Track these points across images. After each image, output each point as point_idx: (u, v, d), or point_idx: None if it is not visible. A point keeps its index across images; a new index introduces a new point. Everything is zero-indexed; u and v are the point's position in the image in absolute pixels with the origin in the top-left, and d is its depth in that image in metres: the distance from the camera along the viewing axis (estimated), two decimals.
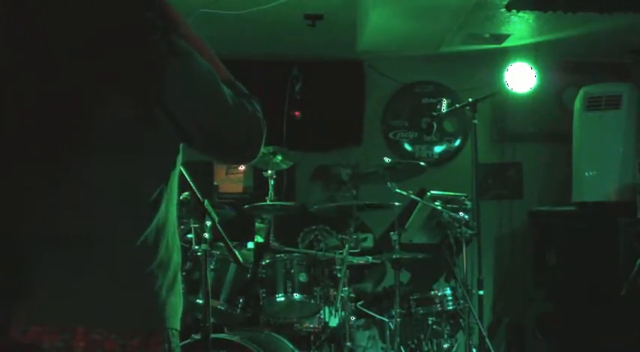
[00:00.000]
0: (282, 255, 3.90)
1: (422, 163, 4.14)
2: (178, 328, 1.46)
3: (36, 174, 1.35)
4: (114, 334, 1.34)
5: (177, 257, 1.48)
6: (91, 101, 1.34)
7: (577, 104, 5.36)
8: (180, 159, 1.50)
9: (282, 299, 3.77)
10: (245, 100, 1.52)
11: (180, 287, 1.48)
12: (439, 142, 6.00)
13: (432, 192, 4.22)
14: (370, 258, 4.10)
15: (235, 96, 1.49)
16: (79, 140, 1.35)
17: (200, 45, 1.51)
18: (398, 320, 3.91)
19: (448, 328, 4.14)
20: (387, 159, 3.99)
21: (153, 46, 1.37)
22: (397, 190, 3.92)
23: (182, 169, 1.55)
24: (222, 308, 3.69)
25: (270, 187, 4.03)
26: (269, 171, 4.05)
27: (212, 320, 2.89)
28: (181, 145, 1.49)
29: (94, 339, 1.33)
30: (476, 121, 4.24)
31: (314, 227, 4.50)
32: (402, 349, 3.97)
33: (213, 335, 2.90)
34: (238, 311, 3.76)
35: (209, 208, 2.68)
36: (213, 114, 1.46)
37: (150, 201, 1.42)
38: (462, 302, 4.03)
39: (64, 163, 1.35)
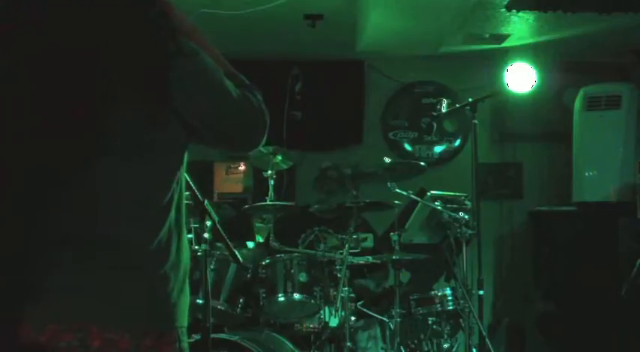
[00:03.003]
0: (282, 255, 3.90)
1: (422, 163, 4.14)
2: (186, 325, 1.49)
3: (49, 176, 1.36)
4: (128, 333, 1.36)
5: (186, 258, 1.50)
6: (103, 103, 1.35)
7: (577, 104, 5.36)
8: (186, 160, 1.52)
9: (282, 299, 3.77)
10: (247, 92, 1.55)
11: (188, 286, 1.51)
12: (439, 142, 6.01)
13: (432, 192, 4.22)
14: (370, 258, 4.10)
15: (238, 89, 1.52)
16: (92, 143, 1.35)
17: (202, 41, 1.53)
18: (398, 320, 3.91)
19: (448, 328, 4.14)
20: (387, 159, 3.99)
21: (161, 46, 1.39)
22: (397, 190, 3.91)
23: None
24: (222, 308, 3.69)
25: (270, 187, 4.03)
26: (269, 171, 4.05)
27: (212, 320, 2.89)
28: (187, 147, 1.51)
29: (109, 338, 1.35)
30: (476, 121, 4.23)
31: (315, 227, 4.50)
32: (402, 349, 3.97)
33: (213, 335, 2.90)
34: (238, 311, 3.76)
35: (209, 208, 2.68)
36: (219, 110, 1.48)
37: (162, 204, 1.44)
38: (462, 302, 4.03)
39: (76, 166, 1.36)
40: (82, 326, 1.34)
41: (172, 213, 1.45)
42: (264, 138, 1.60)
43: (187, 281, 1.50)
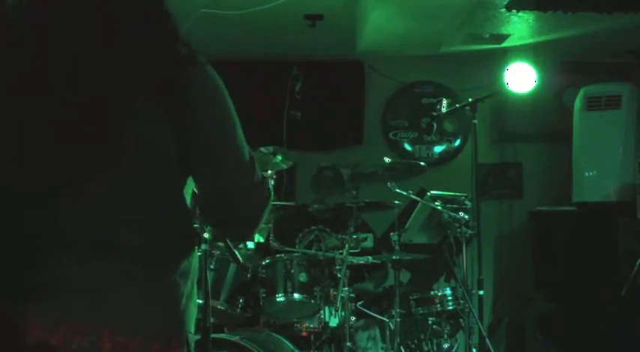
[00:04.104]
0: (282, 255, 3.90)
1: (422, 163, 4.14)
2: (193, 331, 1.51)
3: (62, 181, 1.36)
4: (138, 337, 1.37)
5: (195, 266, 1.52)
6: (113, 111, 1.36)
7: (577, 104, 5.36)
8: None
9: (282, 299, 3.77)
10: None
11: (195, 293, 1.53)
12: (439, 142, 6.01)
13: (432, 192, 4.23)
14: (370, 258, 4.10)
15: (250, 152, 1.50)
16: (106, 149, 1.36)
17: None
18: (398, 320, 3.91)
19: (448, 328, 4.14)
20: (387, 159, 3.99)
21: (175, 58, 1.40)
22: (397, 190, 3.92)
23: None
24: (222, 308, 3.69)
25: (270, 187, 4.03)
26: (269, 171, 4.05)
27: (212, 320, 2.89)
28: None
29: (119, 341, 1.36)
30: (476, 121, 4.23)
31: (313, 227, 4.51)
32: (402, 349, 3.97)
33: (213, 335, 2.90)
34: (238, 311, 3.76)
35: None
36: (223, 135, 1.46)
37: (175, 212, 1.46)
38: (462, 302, 4.03)
39: (89, 171, 1.37)
40: (94, 328, 1.35)
41: (184, 221, 1.48)
42: (257, 227, 1.56)
43: (195, 288, 1.52)
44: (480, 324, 3.93)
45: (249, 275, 3.82)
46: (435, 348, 4.13)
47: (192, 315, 1.50)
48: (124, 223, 1.39)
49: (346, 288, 3.78)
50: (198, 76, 1.42)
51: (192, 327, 1.49)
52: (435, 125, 4.72)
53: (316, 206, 4.23)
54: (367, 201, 3.95)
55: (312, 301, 3.78)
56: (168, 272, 1.43)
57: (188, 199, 1.55)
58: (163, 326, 1.42)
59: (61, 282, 1.36)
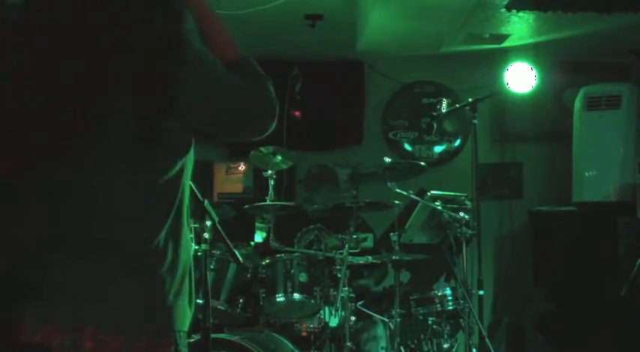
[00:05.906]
0: (282, 255, 3.91)
1: (422, 163, 4.14)
2: (186, 329, 1.48)
3: (50, 178, 1.37)
4: (121, 335, 1.36)
5: (185, 260, 1.50)
6: (103, 110, 1.36)
7: (577, 104, 5.36)
8: (189, 165, 1.52)
9: (282, 299, 3.77)
10: (253, 82, 1.60)
11: (187, 287, 1.50)
12: (439, 142, 6.01)
13: (432, 192, 4.22)
14: (370, 258, 4.10)
15: (241, 84, 1.54)
16: (91, 148, 1.36)
17: (213, 19, 1.60)
18: (398, 320, 3.91)
19: (448, 328, 4.14)
20: (387, 159, 3.99)
21: (166, 56, 1.40)
22: (397, 190, 3.91)
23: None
24: (222, 308, 3.70)
25: (270, 187, 4.04)
26: (269, 171, 4.05)
27: (212, 320, 2.89)
28: (189, 153, 1.51)
29: (102, 339, 1.35)
30: (476, 121, 4.23)
31: (312, 226, 4.51)
32: (402, 349, 3.97)
33: (213, 335, 2.90)
34: (238, 311, 3.76)
35: (209, 208, 2.68)
36: (220, 111, 1.49)
37: (160, 207, 1.44)
38: (462, 302, 4.03)
39: (77, 169, 1.37)
40: (75, 326, 1.35)
41: (171, 216, 1.46)
42: (272, 124, 1.63)
43: (186, 283, 1.49)
44: (480, 324, 3.93)
45: (249, 275, 3.83)
46: (435, 348, 4.13)
47: (183, 312, 1.47)
48: (111, 220, 1.39)
49: (346, 288, 3.78)
50: (190, 74, 1.41)
51: (183, 325, 1.46)
52: (435, 125, 4.71)
53: (316, 206, 4.23)
54: (367, 201, 3.95)
55: (312, 301, 3.78)
56: (154, 268, 1.41)
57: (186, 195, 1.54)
58: (148, 323, 1.40)
59: (45, 280, 1.35)
